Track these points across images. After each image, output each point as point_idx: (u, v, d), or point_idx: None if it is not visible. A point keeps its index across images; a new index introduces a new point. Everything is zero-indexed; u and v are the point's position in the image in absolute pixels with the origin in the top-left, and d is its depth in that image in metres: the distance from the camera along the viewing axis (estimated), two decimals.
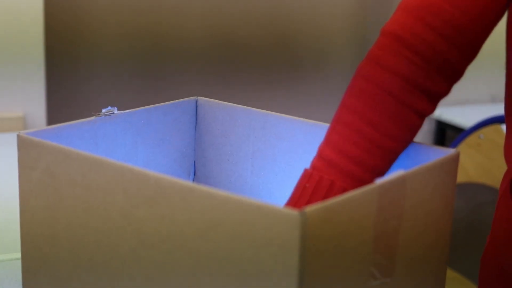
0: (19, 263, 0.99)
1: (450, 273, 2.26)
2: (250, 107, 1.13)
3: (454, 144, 2.36)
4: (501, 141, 2.28)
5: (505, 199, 1.10)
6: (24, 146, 0.93)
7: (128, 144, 1.09)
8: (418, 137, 0.99)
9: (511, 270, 1.08)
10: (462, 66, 0.97)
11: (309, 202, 0.93)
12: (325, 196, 0.92)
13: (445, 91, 0.97)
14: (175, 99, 1.15)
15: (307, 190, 0.93)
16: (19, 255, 0.99)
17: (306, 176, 0.95)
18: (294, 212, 0.72)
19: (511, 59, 1.03)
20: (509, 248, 1.08)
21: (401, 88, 0.94)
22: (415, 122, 0.96)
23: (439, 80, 0.96)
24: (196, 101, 1.18)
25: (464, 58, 0.96)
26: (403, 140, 0.96)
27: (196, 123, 1.18)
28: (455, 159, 0.94)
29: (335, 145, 0.95)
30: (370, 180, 0.92)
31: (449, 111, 3.04)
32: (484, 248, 1.16)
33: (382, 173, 0.95)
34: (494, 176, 2.28)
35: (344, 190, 0.92)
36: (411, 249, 0.89)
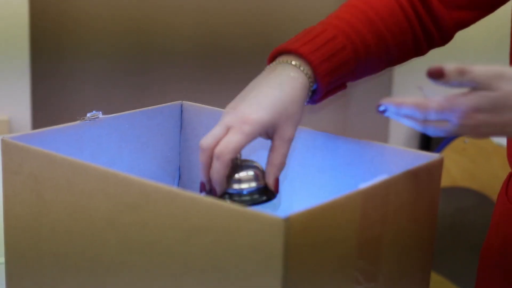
0: (2, 268, 0.99)
1: (435, 277, 2.26)
2: None
3: (439, 149, 2.37)
4: (486, 145, 2.30)
5: (501, 196, 1.14)
6: (8, 151, 0.93)
7: (113, 149, 1.09)
8: (404, 141, 0.99)
9: (506, 266, 1.09)
10: (448, 24, 1.05)
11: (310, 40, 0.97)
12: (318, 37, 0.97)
13: (433, 34, 1.05)
14: (160, 103, 1.15)
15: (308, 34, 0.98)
16: (2, 259, 0.99)
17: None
18: (277, 217, 0.72)
19: None
20: (504, 244, 1.09)
21: None
22: (408, 33, 1.03)
23: (428, 20, 1.04)
24: (181, 105, 1.18)
25: (452, 20, 1.04)
26: (394, 35, 1.01)
27: (181, 127, 1.18)
28: (439, 164, 0.94)
29: (331, 15, 1.01)
30: (361, 49, 0.98)
31: None
32: (483, 244, 1.17)
33: (369, 50, 0.99)
34: (479, 180, 2.29)
35: (334, 36, 0.97)
36: (395, 254, 0.89)
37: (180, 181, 1.20)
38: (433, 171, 0.93)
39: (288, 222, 0.72)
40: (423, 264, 0.96)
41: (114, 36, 2.71)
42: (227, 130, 0.90)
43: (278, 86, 0.92)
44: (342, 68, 0.97)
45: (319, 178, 1.05)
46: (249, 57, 2.95)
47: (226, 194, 0.92)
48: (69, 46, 2.66)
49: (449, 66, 0.80)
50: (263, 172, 0.93)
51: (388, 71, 2.77)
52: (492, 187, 2.27)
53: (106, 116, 1.07)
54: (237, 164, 0.92)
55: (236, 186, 0.91)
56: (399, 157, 0.97)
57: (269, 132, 0.92)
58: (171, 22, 2.77)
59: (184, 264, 0.79)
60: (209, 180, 0.91)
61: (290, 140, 0.92)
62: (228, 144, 0.89)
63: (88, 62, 2.70)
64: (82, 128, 1.04)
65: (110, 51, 2.72)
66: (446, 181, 2.28)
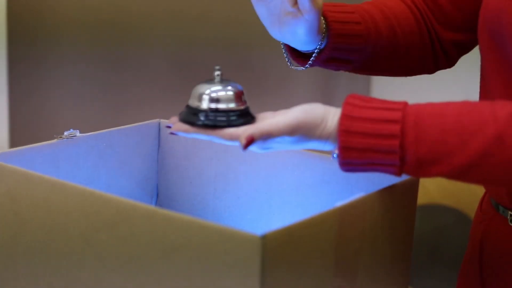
0: None
1: None
2: None
3: None
4: None
5: (477, 213, 1.15)
6: None
7: (90, 167, 1.09)
8: None
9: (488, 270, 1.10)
10: (447, 43, 1.10)
11: None
12: None
13: (438, 49, 1.10)
14: (138, 122, 1.15)
15: None
16: None
17: None
18: (254, 235, 0.72)
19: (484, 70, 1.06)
20: (479, 251, 1.10)
21: None
22: (416, 33, 1.09)
23: (433, 33, 1.10)
24: (159, 124, 1.18)
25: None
26: (403, 31, 1.08)
27: (158, 145, 1.18)
28: (416, 181, 0.95)
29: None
30: (372, 29, 1.05)
31: None
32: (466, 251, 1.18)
33: (380, 35, 1.06)
34: (456, 197, 2.31)
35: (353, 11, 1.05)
36: (372, 271, 0.90)
37: (158, 199, 1.20)
38: (409, 188, 0.94)
39: (265, 239, 0.72)
40: (400, 281, 0.97)
41: (93, 53, 2.71)
42: None
43: None
44: (353, 40, 1.04)
45: (296, 195, 1.05)
46: (227, 76, 2.94)
47: (202, 112, 0.90)
48: (47, 63, 2.66)
49: (256, 134, 0.86)
50: (243, 95, 0.93)
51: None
52: (469, 204, 2.28)
53: (84, 134, 1.07)
54: (218, 83, 0.92)
55: (213, 105, 0.91)
56: (376, 175, 0.98)
57: None
58: (150, 40, 2.77)
59: (162, 282, 0.79)
60: None
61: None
62: None
63: (66, 80, 2.70)
64: (59, 146, 1.04)
65: (89, 69, 2.72)
66: (423, 198, 2.29)
